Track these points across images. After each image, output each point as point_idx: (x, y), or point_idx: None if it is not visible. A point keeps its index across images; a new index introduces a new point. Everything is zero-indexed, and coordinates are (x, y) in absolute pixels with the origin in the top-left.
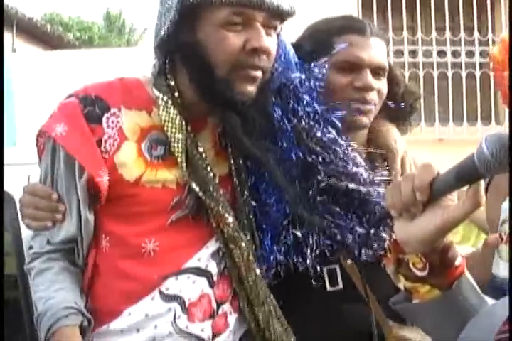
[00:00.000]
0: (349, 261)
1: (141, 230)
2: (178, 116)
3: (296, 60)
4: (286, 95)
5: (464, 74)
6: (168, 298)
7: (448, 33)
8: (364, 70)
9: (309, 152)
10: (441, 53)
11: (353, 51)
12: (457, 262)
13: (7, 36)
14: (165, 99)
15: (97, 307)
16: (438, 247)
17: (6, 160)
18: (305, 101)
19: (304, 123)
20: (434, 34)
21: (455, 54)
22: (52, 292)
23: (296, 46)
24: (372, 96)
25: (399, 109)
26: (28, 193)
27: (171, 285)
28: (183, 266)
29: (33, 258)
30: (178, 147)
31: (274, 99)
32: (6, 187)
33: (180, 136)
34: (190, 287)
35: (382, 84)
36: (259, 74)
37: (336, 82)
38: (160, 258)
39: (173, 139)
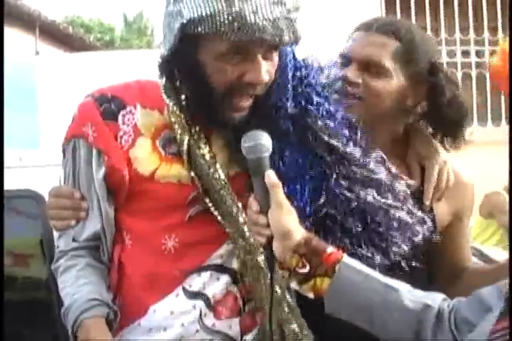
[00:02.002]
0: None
1: (160, 226)
2: (183, 119)
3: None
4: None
5: (487, 74)
6: (191, 294)
7: (472, 33)
8: (352, 64)
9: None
10: (465, 53)
11: (348, 46)
12: (329, 250)
13: (30, 39)
14: (171, 102)
15: (126, 304)
16: (299, 241)
17: (30, 162)
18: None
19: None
20: (457, 34)
21: (479, 54)
22: (78, 287)
23: None
24: (355, 90)
25: (444, 121)
26: (53, 196)
27: (194, 282)
28: (205, 263)
29: (58, 256)
30: (182, 148)
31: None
32: (34, 188)
33: (185, 137)
34: (214, 284)
35: (375, 81)
36: (248, 103)
37: (330, 74)
38: (181, 255)
39: (178, 140)
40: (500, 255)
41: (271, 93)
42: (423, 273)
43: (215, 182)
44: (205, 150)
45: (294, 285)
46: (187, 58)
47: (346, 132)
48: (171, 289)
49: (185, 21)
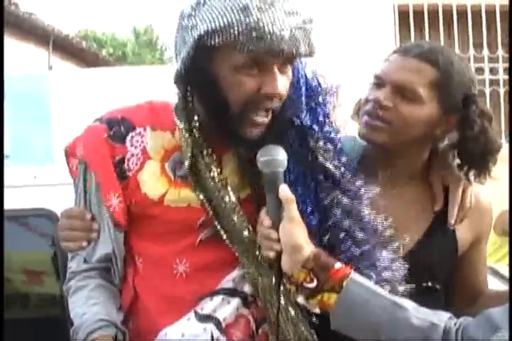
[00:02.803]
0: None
1: (170, 250)
2: (194, 141)
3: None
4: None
5: (502, 91)
6: (202, 318)
7: (486, 50)
8: (386, 86)
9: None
10: (479, 70)
11: (384, 67)
12: (337, 265)
13: (43, 53)
14: (182, 124)
15: (139, 327)
16: (308, 255)
17: (45, 180)
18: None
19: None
20: (471, 51)
21: (493, 71)
22: (88, 307)
23: None
24: (385, 114)
25: (470, 154)
26: (64, 217)
27: (206, 306)
28: (217, 287)
29: (70, 277)
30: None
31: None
32: (48, 206)
33: (192, 159)
34: (225, 307)
35: (406, 106)
36: (266, 119)
37: (365, 94)
38: (193, 279)
39: (187, 162)
40: None
41: (286, 108)
42: (440, 295)
43: (224, 206)
44: (215, 172)
45: (300, 299)
46: (202, 73)
47: (344, 159)
48: (183, 313)
49: (202, 32)
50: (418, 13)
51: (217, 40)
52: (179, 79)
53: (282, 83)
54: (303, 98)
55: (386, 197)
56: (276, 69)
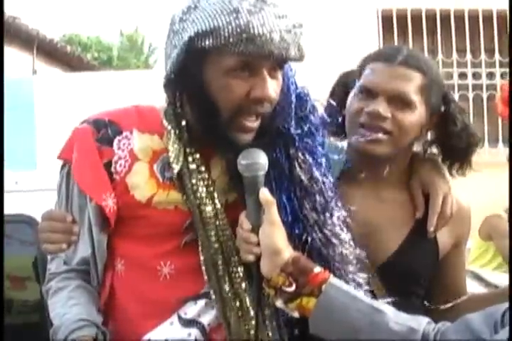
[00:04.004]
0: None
1: (155, 252)
2: (178, 146)
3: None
4: (296, 125)
5: (485, 96)
6: (186, 322)
7: (469, 55)
8: (379, 97)
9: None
10: (462, 75)
11: (371, 77)
12: (316, 269)
13: (27, 57)
14: (169, 127)
15: (119, 331)
16: (287, 259)
17: (26, 185)
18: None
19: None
20: (454, 56)
21: (476, 76)
22: (68, 307)
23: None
24: (385, 124)
25: (454, 149)
26: (45, 219)
27: (190, 310)
28: (201, 291)
29: (49, 278)
30: (175, 174)
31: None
32: (29, 212)
33: (179, 163)
34: (209, 312)
35: (403, 114)
36: (256, 124)
37: (351, 106)
38: (176, 282)
39: (173, 167)
40: (501, 279)
41: (276, 115)
42: (421, 300)
43: (208, 210)
44: (200, 176)
45: (279, 303)
46: (192, 77)
47: (322, 172)
48: (166, 317)
49: (193, 34)
50: (402, 18)
51: (207, 42)
52: (169, 84)
53: (272, 87)
54: (293, 105)
55: (369, 204)
56: (266, 73)
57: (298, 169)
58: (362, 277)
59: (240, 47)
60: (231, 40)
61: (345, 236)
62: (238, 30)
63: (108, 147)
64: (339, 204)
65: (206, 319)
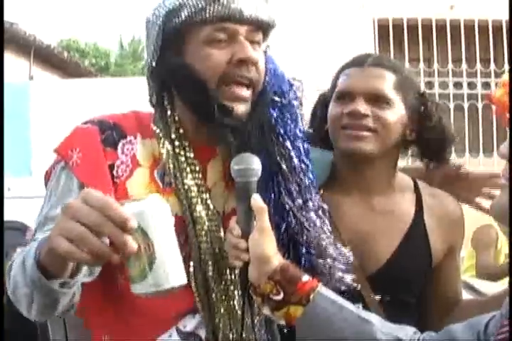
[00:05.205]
0: (377, 297)
1: None
2: (170, 150)
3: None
4: (279, 111)
5: (480, 105)
6: (185, 335)
7: (464, 65)
8: (357, 98)
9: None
10: (458, 85)
11: (346, 82)
12: (304, 278)
13: (24, 64)
14: (158, 131)
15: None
16: (275, 267)
17: (20, 192)
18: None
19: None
20: (450, 66)
21: (471, 85)
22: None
23: None
24: (366, 122)
25: (429, 144)
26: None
27: (189, 323)
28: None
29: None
30: (173, 180)
31: (269, 113)
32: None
33: (176, 170)
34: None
35: (383, 112)
36: (247, 93)
37: (332, 111)
38: (176, 295)
39: (171, 173)
40: (492, 288)
41: (267, 85)
42: (414, 308)
43: (201, 215)
44: (194, 180)
45: (266, 311)
46: (174, 59)
47: (299, 159)
48: (165, 329)
49: (164, 14)
50: (398, 28)
51: (179, 18)
52: (152, 73)
53: (253, 51)
54: (285, 81)
55: (359, 213)
56: (242, 38)
57: (279, 157)
58: (347, 273)
59: (210, 11)
60: (199, 6)
61: (321, 223)
62: None
63: (113, 150)
64: (314, 191)
65: (204, 332)
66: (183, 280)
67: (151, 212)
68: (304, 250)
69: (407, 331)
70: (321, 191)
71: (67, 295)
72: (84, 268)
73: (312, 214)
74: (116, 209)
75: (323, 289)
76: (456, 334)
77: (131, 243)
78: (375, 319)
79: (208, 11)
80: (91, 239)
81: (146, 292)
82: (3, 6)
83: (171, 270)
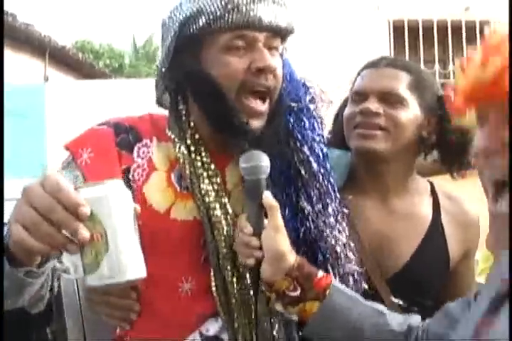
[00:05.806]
0: (396, 300)
1: (176, 268)
2: (186, 155)
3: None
4: (295, 117)
5: None
6: (208, 339)
7: None
8: (370, 97)
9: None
10: None
11: (361, 82)
12: (320, 274)
13: (39, 65)
14: (173, 136)
15: None
16: (292, 264)
17: None
18: (311, 125)
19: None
20: None
21: None
22: None
23: None
24: (378, 120)
25: (450, 147)
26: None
27: (212, 327)
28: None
29: None
30: (190, 184)
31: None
32: None
33: (193, 175)
34: None
35: (395, 111)
36: (263, 107)
37: (346, 111)
38: (198, 298)
39: (187, 177)
40: None
41: (283, 99)
42: (430, 312)
43: (220, 222)
44: (211, 185)
45: (278, 307)
46: (189, 65)
47: (318, 163)
48: (187, 334)
49: (182, 20)
50: (413, 29)
51: (197, 24)
52: (165, 77)
53: (272, 59)
54: (301, 88)
55: (378, 216)
56: (261, 45)
57: (298, 162)
58: (362, 279)
59: (229, 19)
60: (218, 13)
61: (340, 228)
62: (223, 3)
63: (128, 153)
64: (334, 195)
65: (228, 335)
66: (141, 274)
67: (107, 198)
68: (320, 256)
69: (416, 318)
70: (342, 195)
71: (34, 285)
72: (70, 262)
73: (332, 220)
74: (67, 194)
75: (337, 284)
76: (448, 308)
77: (83, 231)
78: (385, 310)
79: (226, 18)
80: (43, 226)
81: (97, 284)
82: (3, 6)
83: (127, 262)
